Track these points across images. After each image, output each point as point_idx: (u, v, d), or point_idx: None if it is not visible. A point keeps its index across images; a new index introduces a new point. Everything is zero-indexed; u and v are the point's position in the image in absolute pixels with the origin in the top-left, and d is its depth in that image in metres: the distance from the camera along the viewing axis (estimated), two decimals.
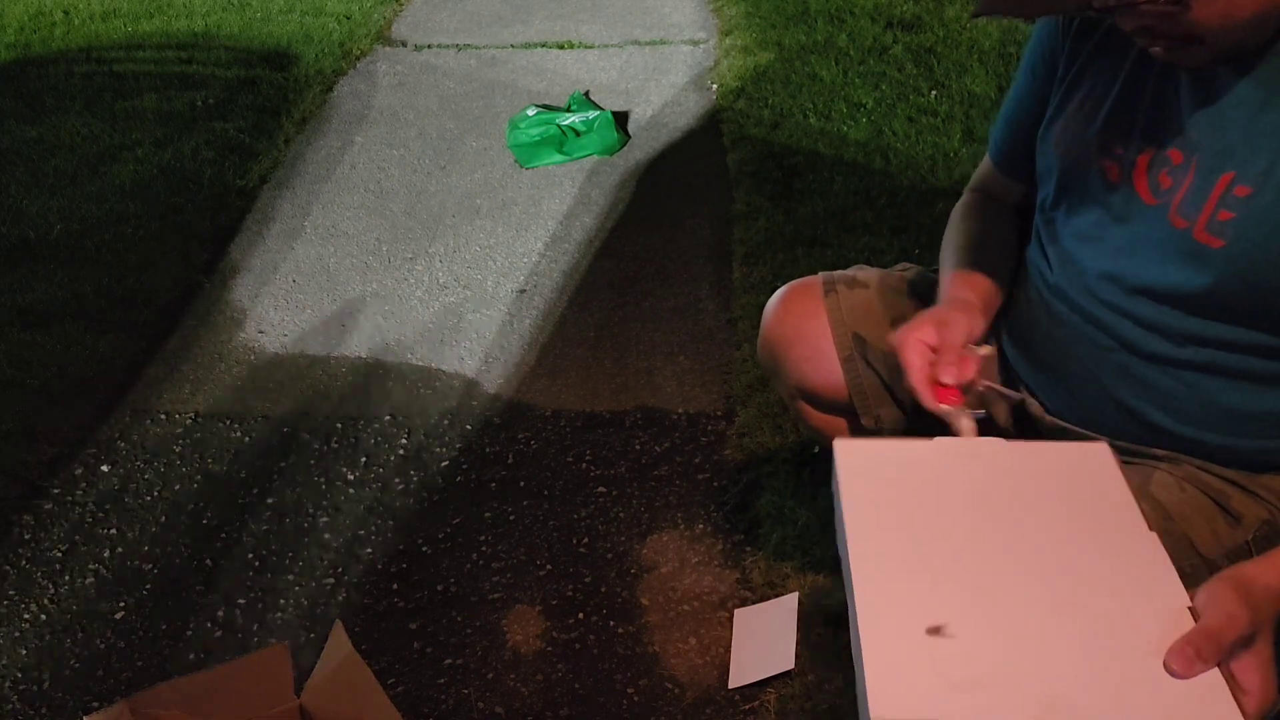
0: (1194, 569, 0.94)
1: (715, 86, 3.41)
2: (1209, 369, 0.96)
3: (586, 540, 1.78)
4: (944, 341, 1.02)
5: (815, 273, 1.33)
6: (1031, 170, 1.13)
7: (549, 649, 1.60)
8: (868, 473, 0.92)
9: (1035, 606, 0.79)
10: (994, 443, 0.95)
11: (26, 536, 1.85)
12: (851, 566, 0.83)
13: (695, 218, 2.72)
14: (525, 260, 2.58)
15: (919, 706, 0.73)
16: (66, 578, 1.77)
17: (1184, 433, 0.99)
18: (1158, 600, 0.79)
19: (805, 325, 1.27)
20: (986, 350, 1.05)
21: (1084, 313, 1.03)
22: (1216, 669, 0.74)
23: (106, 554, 1.81)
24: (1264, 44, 0.88)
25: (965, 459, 0.94)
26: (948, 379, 0.99)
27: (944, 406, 0.99)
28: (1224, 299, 0.92)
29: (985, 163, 1.25)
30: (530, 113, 3.13)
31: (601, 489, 1.89)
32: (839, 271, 1.32)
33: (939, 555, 0.84)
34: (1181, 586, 0.80)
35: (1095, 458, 0.92)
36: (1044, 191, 1.09)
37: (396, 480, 1.94)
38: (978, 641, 0.78)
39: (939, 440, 0.96)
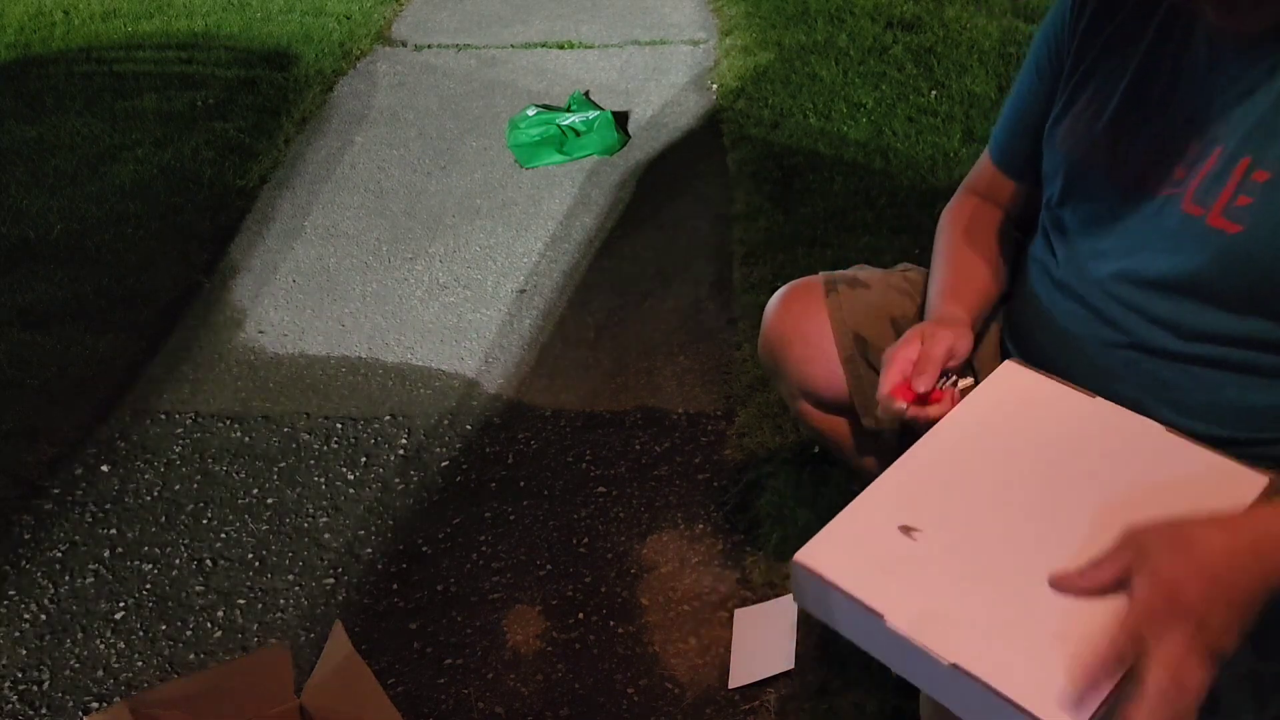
0: None
1: (715, 86, 3.41)
2: (1216, 363, 0.96)
3: (586, 540, 1.78)
4: (925, 353, 1.03)
5: (815, 273, 1.33)
6: (1034, 169, 1.12)
7: (549, 649, 1.60)
8: (1005, 396, 0.99)
9: (1020, 558, 0.84)
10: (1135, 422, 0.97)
11: (26, 536, 1.85)
12: (909, 452, 0.93)
13: (695, 218, 2.72)
14: (525, 260, 2.58)
15: (842, 574, 0.82)
16: (66, 578, 1.77)
17: (1188, 427, 0.99)
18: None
19: (806, 325, 1.27)
20: (965, 383, 1.05)
21: (1092, 308, 1.03)
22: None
23: (106, 554, 1.81)
24: None
25: (1086, 418, 0.97)
26: (920, 387, 1.01)
27: (899, 404, 1.02)
28: (1236, 286, 0.92)
29: (982, 162, 1.25)
30: (530, 113, 3.13)
31: (601, 489, 1.89)
32: (840, 271, 1.32)
33: (979, 481, 0.91)
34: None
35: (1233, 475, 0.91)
36: (1050, 189, 1.09)
37: (396, 480, 1.94)
38: (933, 553, 0.84)
39: (1096, 399, 0.99)
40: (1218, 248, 0.91)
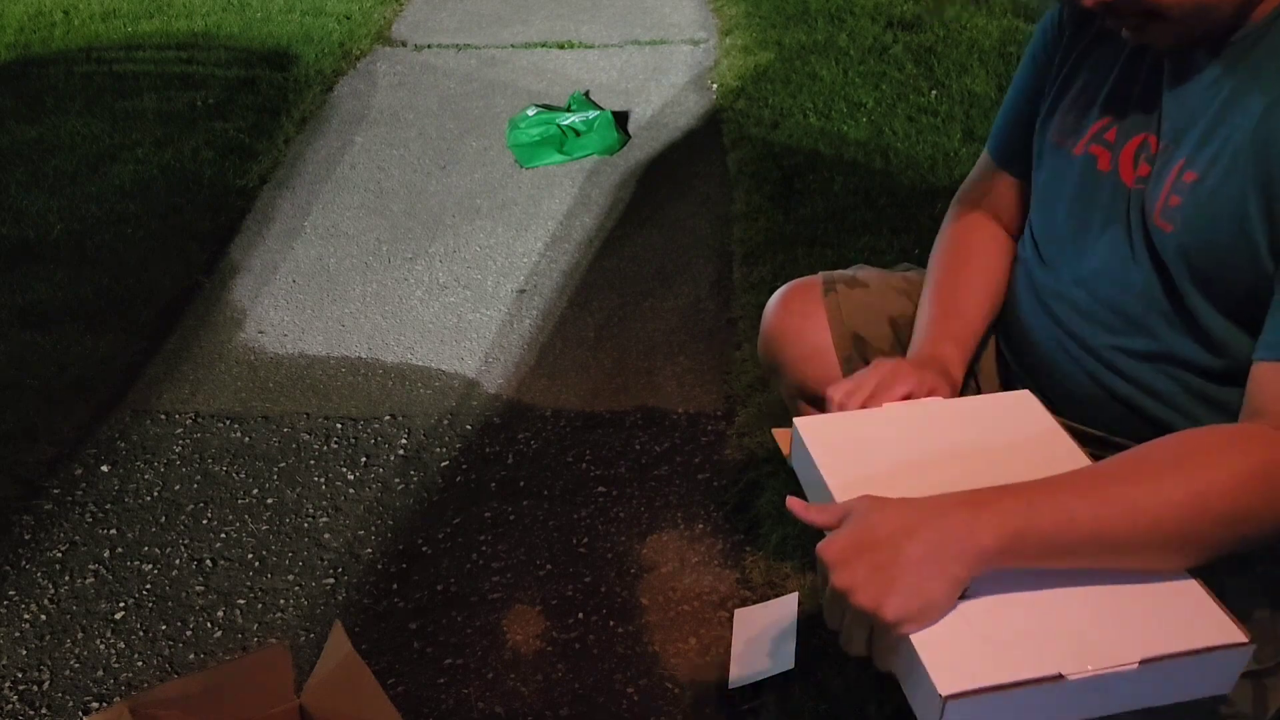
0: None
1: (715, 86, 3.41)
2: (1182, 363, 0.96)
3: (586, 540, 1.78)
4: (872, 394, 1.05)
5: (815, 273, 1.33)
6: (1030, 162, 1.13)
7: (549, 649, 1.60)
8: (835, 443, 0.98)
9: None
10: (934, 402, 1.04)
11: (26, 536, 1.85)
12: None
13: (695, 218, 2.72)
14: (525, 260, 2.58)
15: (983, 674, 0.74)
16: (66, 578, 1.76)
17: (1179, 425, 0.98)
18: None
19: (805, 325, 1.27)
20: None
21: (1074, 304, 1.03)
22: (1197, 582, 0.79)
23: (106, 554, 1.81)
24: (1234, 24, 0.89)
25: (912, 418, 1.01)
26: (847, 405, 1.06)
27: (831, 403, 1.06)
28: (1177, 286, 0.93)
29: (982, 162, 1.25)
30: (530, 113, 3.13)
31: (601, 489, 1.89)
32: (839, 271, 1.32)
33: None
34: None
35: (1022, 403, 1.02)
36: (1039, 179, 1.10)
37: (396, 480, 1.94)
38: (995, 593, 0.80)
39: (886, 406, 1.03)
40: (1161, 248, 0.93)
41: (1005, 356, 1.18)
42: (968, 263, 1.19)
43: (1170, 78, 0.95)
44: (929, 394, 1.05)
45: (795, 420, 1.00)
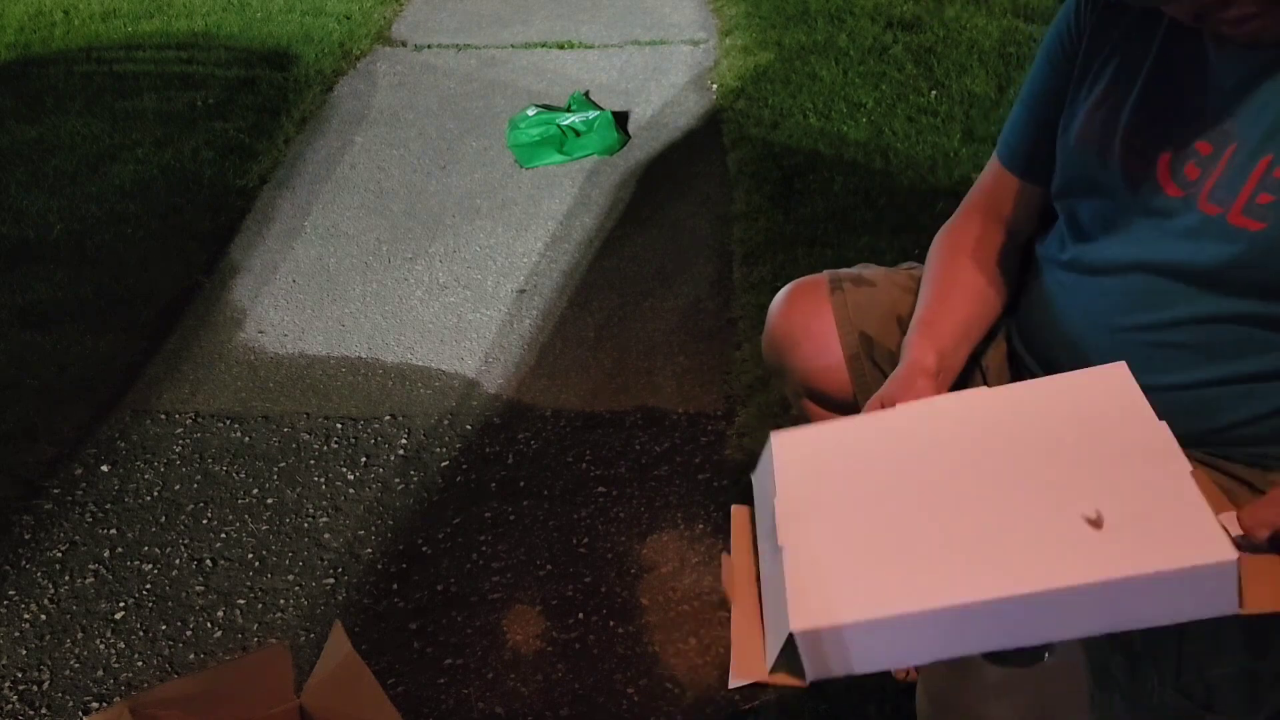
0: None
1: (715, 86, 3.41)
2: (1233, 346, 0.96)
3: (586, 540, 1.78)
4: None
5: (815, 273, 1.32)
6: (1044, 168, 1.10)
7: (549, 649, 1.59)
8: (800, 461, 0.92)
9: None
10: (917, 405, 0.96)
11: (26, 536, 1.85)
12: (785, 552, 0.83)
13: (695, 218, 2.72)
14: (525, 260, 2.58)
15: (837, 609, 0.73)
16: (66, 578, 1.76)
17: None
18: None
19: (811, 323, 1.26)
20: None
21: (1109, 298, 1.02)
22: (1205, 505, 0.74)
23: (106, 554, 1.81)
24: None
25: (888, 425, 0.94)
26: None
27: None
28: (1259, 279, 0.92)
29: (988, 171, 1.20)
30: (530, 113, 3.13)
31: (601, 489, 1.89)
32: (845, 269, 1.31)
33: (869, 530, 0.83)
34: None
35: (983, 398, 0.94)
36: (1064, 181, 1.08)
37: (396, 480, 1.93)
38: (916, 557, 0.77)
39: (863, 416, 0.97)
40: (1241, 244, 0.91)
41: (1024, 359, 1.17)
42: (963, 268, 1.17)
43: (1226, 82, 0.93)
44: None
45: (773, 434, 0.96)
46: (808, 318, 1.27)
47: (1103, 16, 1.03)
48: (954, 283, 1.16)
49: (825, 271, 1.31)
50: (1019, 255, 1.20)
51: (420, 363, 2.25)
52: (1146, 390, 0.88)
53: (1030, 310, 1.15)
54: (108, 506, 1.91)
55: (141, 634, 1.66)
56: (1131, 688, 0.85)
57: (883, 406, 1.00)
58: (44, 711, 1.54)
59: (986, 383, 1.20)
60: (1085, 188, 1.05)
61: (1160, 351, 0.99)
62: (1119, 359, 0.95)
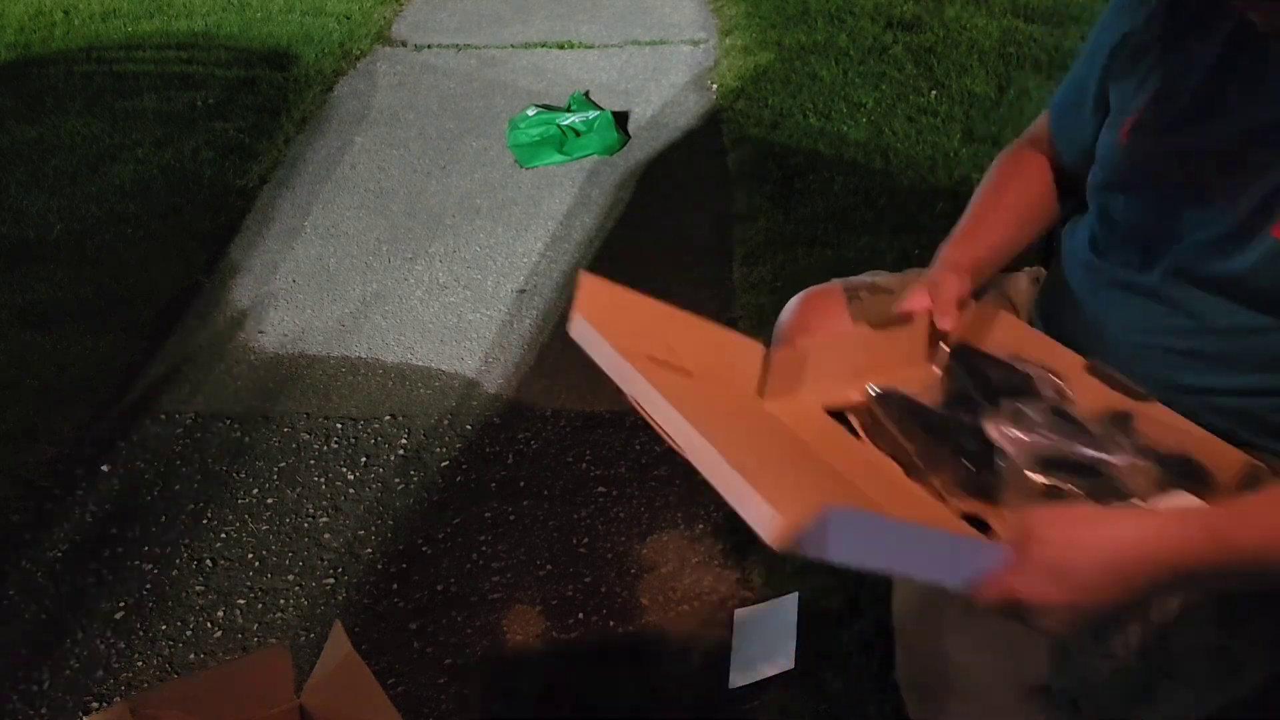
0: None
1: (715, 86, 3.41)
2: (1269, 359, 0.94)
3: (586, 540, 1.78)
4: (937, 301, 1.03)
5: (815, 273, 1.32)
6: (1085, 144, 1.11)
7: (549, 649, 1.60)
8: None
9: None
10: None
11: (26, 536, 1.85)
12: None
13: (695, 218, 2.72)
14: (525, 260, 2.58)
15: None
16: (66, 578, 1.76)
17: (1239, 384, 0.97)
18: None
19: (826, 324, 1.26)
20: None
21: (1141, 297, 1.01)
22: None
23: (106, 554, 1.81)
24: None
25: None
26: (945, 327, 1.01)
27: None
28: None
29: (1041, 120, 1.23)
30: (530, 113, 3.13)
31: (601, 489, 1.89)
32: (856, 278, 1.30)
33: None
34: None
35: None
36: (1103, 174, 1.06)
37: (396, 480, 1.94)
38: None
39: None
40: None
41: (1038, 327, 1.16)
42: (1007, 191, 1.18)
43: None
44: (960, 290, 1.04)
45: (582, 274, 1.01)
46: (825, 319, 1.26)
47: (1167, 12, 1.00)
48: (996, 205, 1.18)
49: (836, 280, 1.30)
50: (1055, 191, 1.20)
51: (420, 363, 2.25)
52: (1183, 392, 0.89)
53: (1053, 292, 1.14)
54: (108, 506, 1.91)
55: (141, 634, 1.66)
56: (1095, 648, 0.85)
57: (929, 290, 1.03)
58: (44, 711, 1.54)
59: (1017, 314, 1.19)
60: (1124, 186, 1.03)
61: (1189, 360, 0.98)
62: (1146, 363, 0.96)
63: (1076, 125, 1.13)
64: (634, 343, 0.99)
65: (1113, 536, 0.72)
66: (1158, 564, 0.72)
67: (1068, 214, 1.20)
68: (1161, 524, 0.74)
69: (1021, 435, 0.86)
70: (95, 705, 1.54)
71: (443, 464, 1.97)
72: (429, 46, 3.91)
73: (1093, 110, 1.10)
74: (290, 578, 1.74)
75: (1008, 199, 1.18)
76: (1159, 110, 1.00)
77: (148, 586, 1.74)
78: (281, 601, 1.70)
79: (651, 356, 1.00)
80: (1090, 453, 0.84)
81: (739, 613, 1.62)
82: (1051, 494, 0.83)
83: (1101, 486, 0.83)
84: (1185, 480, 0.85)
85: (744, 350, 1.04)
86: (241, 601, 1.71)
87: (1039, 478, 0.85)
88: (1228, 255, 0.93)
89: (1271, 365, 0.94)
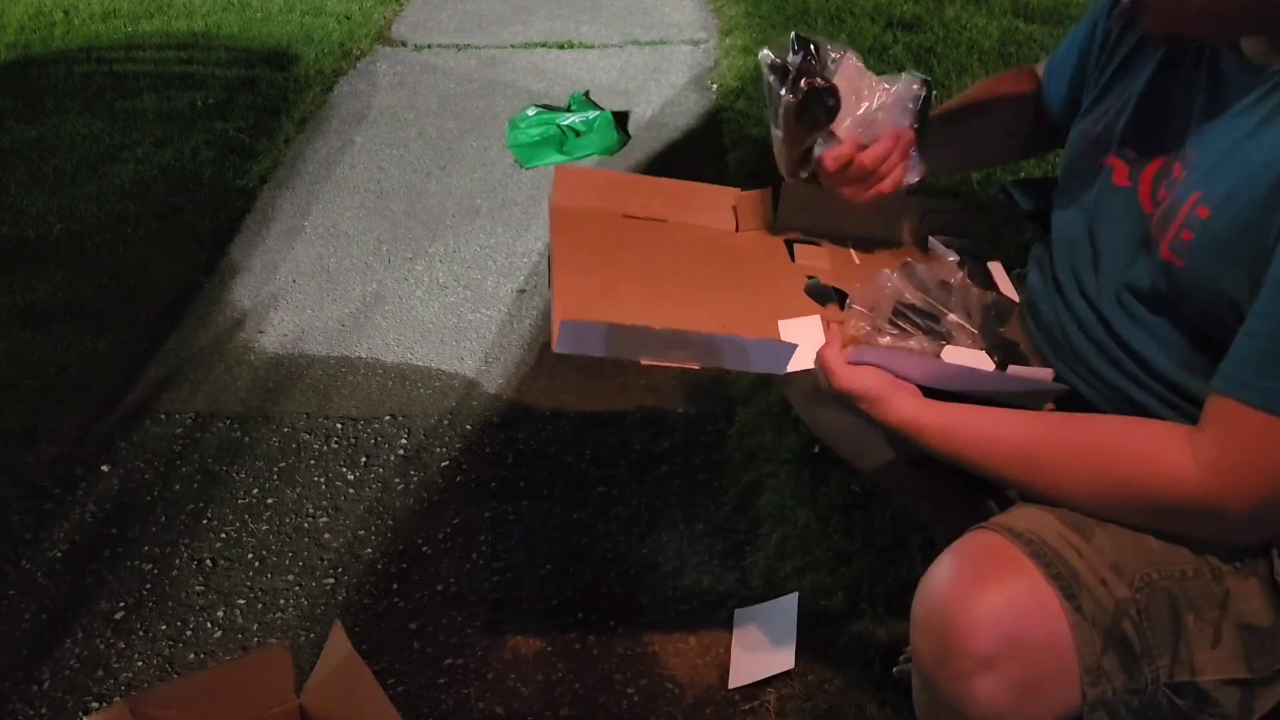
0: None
1: (715, 86, 3.41)
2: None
3: (586, 540, 1.78)
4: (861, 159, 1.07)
5: None
6: (1065, 109, 1.15)
7: (549, 649, 1.60)
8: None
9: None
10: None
11: (27, 536, 1.85)
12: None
13: None
14: (525, 260, 2.58)
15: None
16: (66, 578, 1.76)
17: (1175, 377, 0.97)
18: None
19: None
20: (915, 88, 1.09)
21: (1080, 293, 1.02)
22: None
23: (106, 554, 1.81)
24: (1220, 41, 0.88)
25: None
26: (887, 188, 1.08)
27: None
28: (1185, 311, 0.90)
29: (1037, 67, 1.26)
30: (530, 113, 3.13)
31: (601, 489, 1.89)
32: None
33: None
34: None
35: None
36: (1065, 171, 1.09)
37: (396, 480, 1.94)
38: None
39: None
40: (1168, 278, 0.89)
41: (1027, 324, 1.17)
42: (991, 93, 1.23)
43: (1206, 107, 0.90)
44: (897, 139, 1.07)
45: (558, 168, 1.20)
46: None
47: (1125, 20, 1.03)
48: (976, 101, 1.22)
49: None
50: (1037, 101, 1.23)
51: (420, 363, 2.25)
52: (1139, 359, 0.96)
53: (1028, 293, 1.15)
54: (108, 506, 1.91)
55: (141, 634, 1.66)
56: (1126, 683, 0.85)
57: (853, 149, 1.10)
58: (44, 711, 1.54)
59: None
60: (1077, 183, 1.05)
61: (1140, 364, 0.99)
62: (1094, 368, 1.00)
63: (1062, 76, 1.17)
64: (613, 205, 1.18)
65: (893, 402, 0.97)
66: (902, 423, 0.96)
67: (1035, 151, 1.30)
68: (919, 407, 0.96)
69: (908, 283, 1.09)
70: (95, 705, 1.54)
71: (443, 464, 1.97)
72: (429, 46, 3.91)
73: (1074, 72, 1.14)
74: (290, 578, 1.74)
75: (987, 84, 1.24)
76: (1109, 115, 1.03)
77: (147, 586, 1.74)
78: (281, 601, 1.70)
79: (628, 214, 1.18)
80: (939, 307, 1.07)
81: (739, 613, 1.62)
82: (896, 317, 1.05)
83: (933, 329, 1.06)
84: (996, 348, 1.06)
85: (711, 195, 1.22)
86: (241, 601, 1.71)
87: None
88: (1147, 268, 0.93)
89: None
